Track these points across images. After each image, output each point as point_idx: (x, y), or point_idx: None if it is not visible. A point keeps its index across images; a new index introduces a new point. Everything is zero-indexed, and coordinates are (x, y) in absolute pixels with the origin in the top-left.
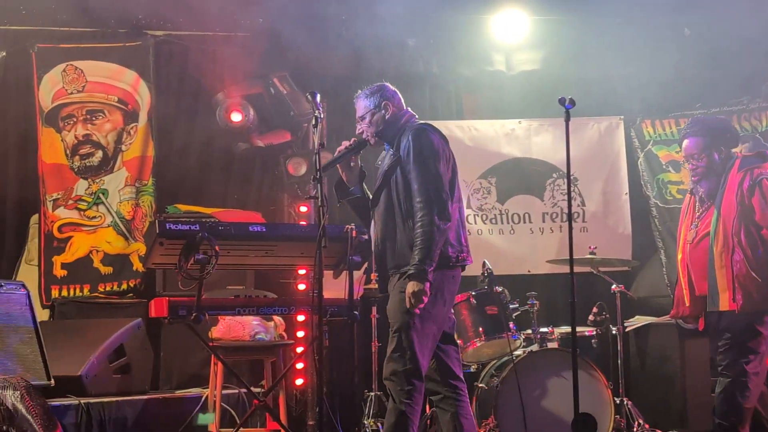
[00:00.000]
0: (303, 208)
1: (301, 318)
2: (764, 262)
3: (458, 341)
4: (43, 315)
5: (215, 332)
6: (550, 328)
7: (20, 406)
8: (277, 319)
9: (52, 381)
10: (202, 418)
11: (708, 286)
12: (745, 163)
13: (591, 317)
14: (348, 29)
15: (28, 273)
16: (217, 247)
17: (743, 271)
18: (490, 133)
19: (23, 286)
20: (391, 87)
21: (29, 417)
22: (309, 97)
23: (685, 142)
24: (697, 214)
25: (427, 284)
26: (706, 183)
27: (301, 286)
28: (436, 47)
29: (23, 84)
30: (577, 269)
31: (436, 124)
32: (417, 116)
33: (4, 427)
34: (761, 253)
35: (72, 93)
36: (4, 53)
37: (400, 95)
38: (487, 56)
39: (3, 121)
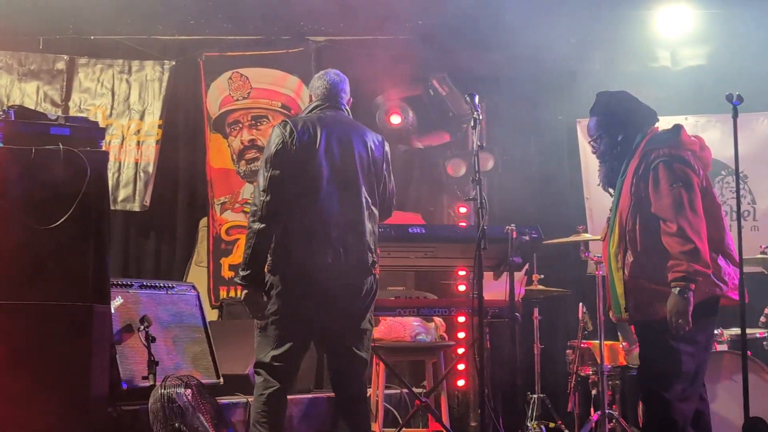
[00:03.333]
0: (462, 209)
1: (461, 319)
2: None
3: (623, 343)
4: (212, 315)
5: (376, 333)
6: (719, 330)
7: (191, 404)
8: (438, 320)
9: (221, 379)
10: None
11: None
12: (649, 144)
13: (762, 319)
14: (506, 29)
15: (198, 274)
16: (378, 249)
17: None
18: None
19: (193, 287)
20: None
21: (200, 415)
22: (467, 98)
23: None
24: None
25: None
26: (603, 167)
27: (461, 287)
28: (599, 44)
29: (192, 92)
30: (748, 269)
31: None
32: None
33: (176, 425)
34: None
35: (238, 99)
36: (174, 62)
37: None
38: (651, 52)
39: (173, 128)
